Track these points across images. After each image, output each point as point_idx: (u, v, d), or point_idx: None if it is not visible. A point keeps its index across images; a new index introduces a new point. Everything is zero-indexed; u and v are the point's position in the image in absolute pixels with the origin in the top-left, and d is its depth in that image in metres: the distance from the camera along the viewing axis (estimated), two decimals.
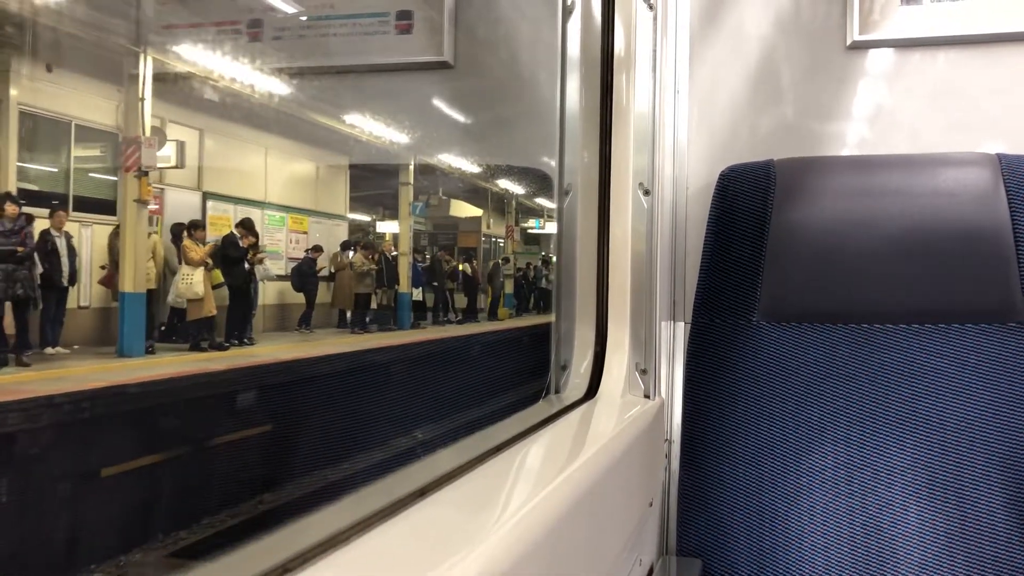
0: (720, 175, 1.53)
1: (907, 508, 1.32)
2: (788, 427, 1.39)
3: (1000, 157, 1.44)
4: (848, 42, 1.61)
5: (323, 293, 11.37)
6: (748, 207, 1.48)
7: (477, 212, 18.77)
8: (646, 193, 1.39)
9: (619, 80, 1.38)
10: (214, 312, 8.58)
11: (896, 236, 1.43)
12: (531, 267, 19.27)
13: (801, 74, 1.65)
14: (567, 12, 1.34)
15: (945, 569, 1.28)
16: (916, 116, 1.61)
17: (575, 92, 1.36)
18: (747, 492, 1.37)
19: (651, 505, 1.32)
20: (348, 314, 11.79)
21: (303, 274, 10.77)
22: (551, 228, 19.86)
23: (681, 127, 1.66)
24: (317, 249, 11.09)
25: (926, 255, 1.41)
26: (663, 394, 1.54)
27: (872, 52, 1.63)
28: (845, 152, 1.64)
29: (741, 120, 1.67)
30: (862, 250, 1.44)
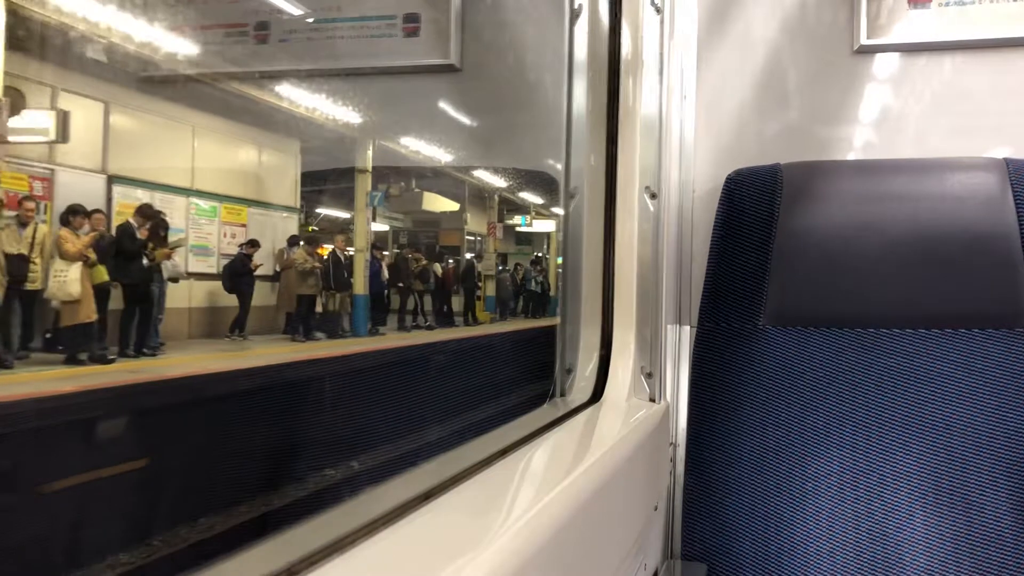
0: (727, 179, 1.52)
1: (913, 513, 1.32)
2: (794, 431, 1.39)
3: (1007, 162, 1.44)
4: (855, 46, 1.61)
5: (268, 295, 9.83)
6: (754, 211, 1.48)
7: (453, 206, 16.82)
8: (652, 196, 1.39)
9: (626, 83, 1.38)
10: (93, 317, 6.87)
11: (903, 240, 1.42)
12: (519, 267, 18.01)
13: (808, 78, 1.65)
14: (574, 15, 1.35)
15: (951, 574, 1.28)
16: (923, 120, 1.60)
17: (582, 95, 1.36)
18: (752, 496, 1.37)
19: (656, 509, 1.31)
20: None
21: (235, 273, 9.11)
22: (539, 226, 19.07)
23: (688, 131, 1.66)
24: (252, 244, 9.32)
25: (933, 260, 1.41)
26: (668, 398, 1.54)
27: (879, 56, 1.62)
28: (852, 156, 1.63)
29: (748, 124, 1.66)
30: (869, 254, 1.43)
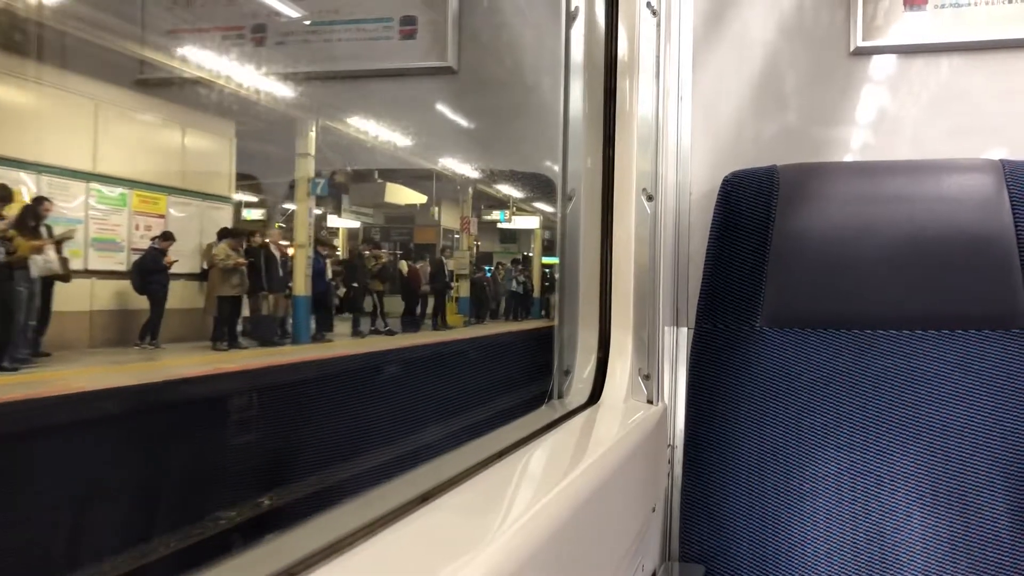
0: (723, 180, 1.53)
1: (910, 514, 1.32)
2: (791, 432, 1.39)
3: (1004, 163, 1.44)
4: (851, 48, 1.61)
5: (198, 297, 8.32)
6: (751, 212, 1.48)
7: (420, 199, 14.58)
8: (649, 198, 1.40)
9: (622, 85, 1.38)
10: None
11: (899, 242, 1.43)
12: (500, 267, 16.60)
13: (804, 80, 1.65)
14: (571, 18, 1.35)
15: (948, 574, 1.28)
16: (919, 122, 1.61)
17: (578, 97, 1.36)
18: (750, 497, 1.37)
19: (654, 511, 1.32)
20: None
21: (145, 271, 7.67)
22: (522, 223, 17.74)
23: (684, 132, 1.66)
24: (166, 237, 7.88)
25: (929, 261, 1.41)
26: (666, 399, 1.54)
27: (875, 58, 1.63)
28: (848, 158, 1.64)
29: (744, 125, 1.67)
30: (865, 256, 1.43)
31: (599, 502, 0.88)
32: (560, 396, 1.33)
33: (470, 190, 15.00)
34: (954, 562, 1.28)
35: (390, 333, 11.38)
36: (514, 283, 16.13)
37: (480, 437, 1.00)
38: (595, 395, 1.31)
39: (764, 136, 1.66)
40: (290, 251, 9.49)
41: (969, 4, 1.58)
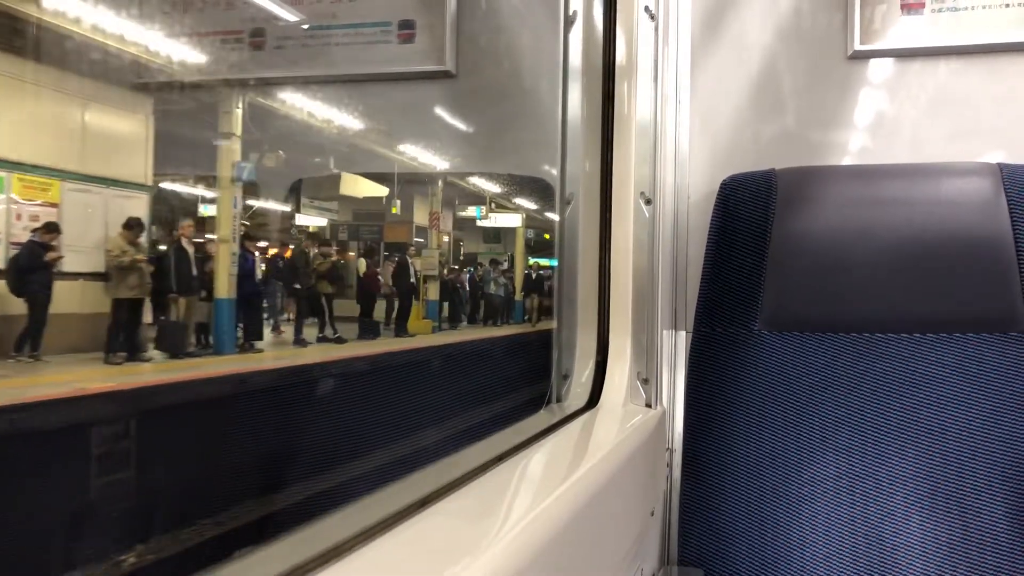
0: (721, 184, 1.53)
1: (909, 518, 1.32)
2: (790, 436, 1.39)
3: (1001, 167, 1.44)
4: (849, 52, 1.62)
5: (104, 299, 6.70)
6: (749, 216, 1.48)
7: (379, 191, 12.41)
8: (647, 202, 1.40)
9: (620, 89, 1.38)
10: None
11: (897, 245, 1.43)
12: (479, 267, 15.46)
13: (802, 83, 1.66)
14: (569, 22, 1.35)
15: None
16: (917, 126, 1.61)
17: (577, 101, 1.36)
18: (748, 501, 1.37)
19: (653, 514, 1.31)
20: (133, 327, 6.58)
21: (23, 269, 6.30)
22: (502, 220, 16.42)
23: (683, 136, 1.66)
24: (49, 229, 6.54)
25: (927, 264, 1.41)
26: (665, 403, 1.54)
27: (873, 62, 1.63)
28: (846, 161, 1.64)
29: (742, 129, 1.67)
30: (863, 259, 1.44)
31: (598, 506, 0.88)
32: (559, 400, 1.33)
33: (440, 183, 13.08)
34: (953, 565, 1.28)
35: (339, 341, 9.66)
36: (492, 285, 14.72)
37: (464, 448, 0.94)
38: (594, 399, 1.31)
39: (762, 139, 1.67)
40: (244, 248, 8.00)
41: (966, 8, 1.58)
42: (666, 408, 1.54)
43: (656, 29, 1.44)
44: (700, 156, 1.66)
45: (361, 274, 11.81)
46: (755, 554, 1.34)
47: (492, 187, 14.63)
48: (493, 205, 16.01)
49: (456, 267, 15.00)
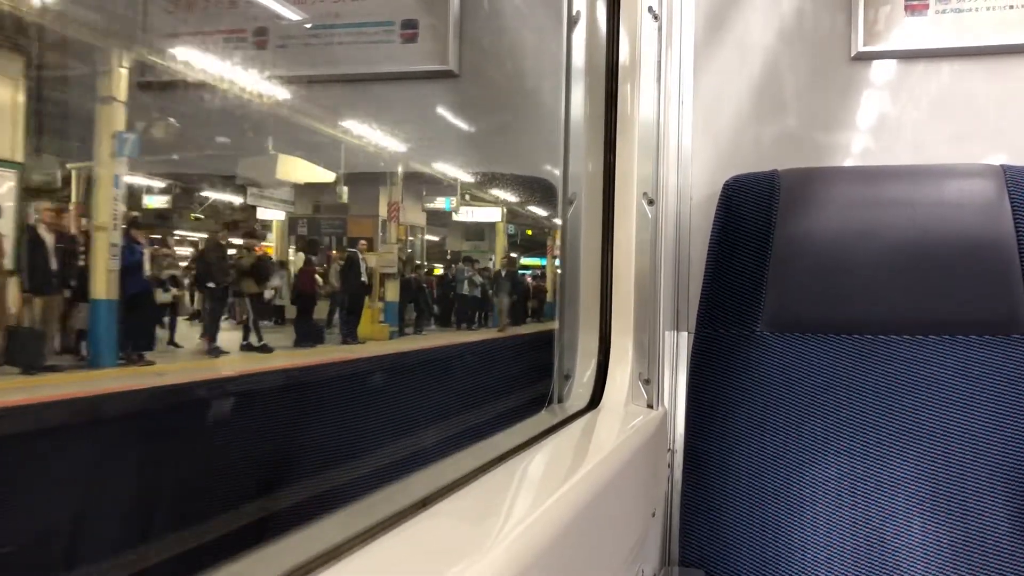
0: (724, 185, 1.53)
1: (910, 520, 1.32)
2: (791, 437, 1.39)
3: (1004, 168, 1.44)
4: (852, 53, 1.61)
5: None
6: (752, 217, 1.48)
7: (324, 177, 9.97)
8: (650, 203, 1.40)
9: (624, 90, 1.38)
10: None
11: (900, 247, 1.43)
12: (453, 266, 13.78)
13: (805, 84, 1.66)
14: (572, 22, 1.35)
15: None
16: (920, 127, 1.61)
17: (579, 101, 1.36)
18: (750, 502, 1.37)
19: (654, 515, 1.31)
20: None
21: None
22: (481, 215, 14.77)
23: (685, 137, 1.66)
24: None
25: (930, 266, 1.41)
26: (666, 404, 1.54)
27: (876, 63, 1.63)
28: (849, 162, 1.64)
29: (745, 130, 1.67)
30: (866, 260, 1.43)
31: (599, 507, 0.88)
32: (560, 400, 1.33)
33: (399, 169, 10.69)
34: (954, 567, 1.28)
35: (264, 349, 7.92)
36: (467, 285, 12.71)
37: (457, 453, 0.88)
38: (595, 399, 1.31)
39: (765, 140, 1.66)
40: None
41: (970, 9, 1.58)
42: (668, 409, 1.54)
43: (659, 29, 1.44)
44: (703, 156, 1.66)
45: (296, 271, 9.77)
46: (756, 555, 1.34)
47: (465, 176, 12.11)
48: (467, 197, 13.55)
49: (420, 265, 13.03)
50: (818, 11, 1.64)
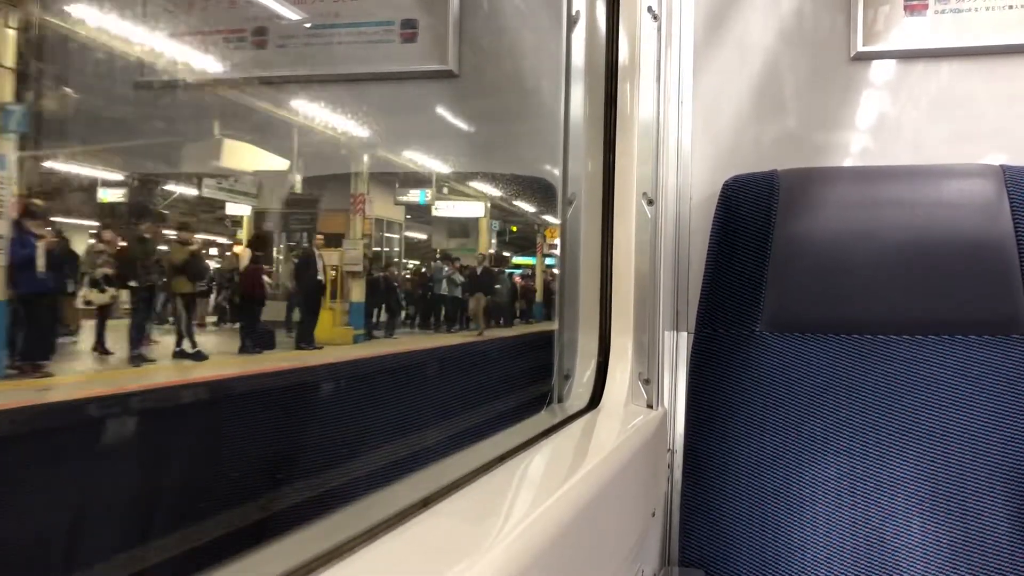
0: (724, 185, 1.53)
1: (910, 520, 1.32)
2: (791, 437, 1.39)
3: (1004, 168, 1.44)
4: (852, 53, 1.62)
5: None
6: (752, 217, 1.48)
7: (278, 165, 8.36)
8: (650, 203, 1.40)
9: (623, 90, 1.38)
10: None
11: (899, 247, 1.43)
12: (431, 265, 12.86)
13: (805, 84, 1.66)
14: (572, 22, 1.35)
15: None
16: (920, 127, 1.61)
17: (579, 101, 1.36)
18: (750, 502, 1.37)
19: (654, 515, 1.31)
20: None
21: None
22: (463, 210, 13.46)
23: (685, 137, 1.66)
24: None
25: (929, 266, 1.41)
26: (666, 404, 1.54)
27: (876, 63, 1.63)
28: (849, 163, 1.64)
29: (745, 130, 1.67)
30: (866, 261, 1.44)
31: (599, 507, 0.88)
32: (560, 400, 1.33)
33: (365, 158, 9.53)
34: (954, 568, 1.28)
35: (198, 357, 6.74)
36: (444, 285, 11.77)
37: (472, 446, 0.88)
38: (595, 399, 1.31)
39: (765, 140, 1.67)
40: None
41: (969, 9, 1.58)
42: (667, 409, 1.54)
43: (659, 29, 1.44)
44: (702, 157, 1.66)
45: (242, 270, 8.46)
46: (756, 555, 1.34)
47: (441, 167, 10.88)
48: (445, 190, 12.23)
49: (394, 262, 11.82)
50: (817, 11, 1.65)
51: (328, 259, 9.29)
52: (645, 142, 1.40)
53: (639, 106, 1.39)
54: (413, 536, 0.64)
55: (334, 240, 9.82)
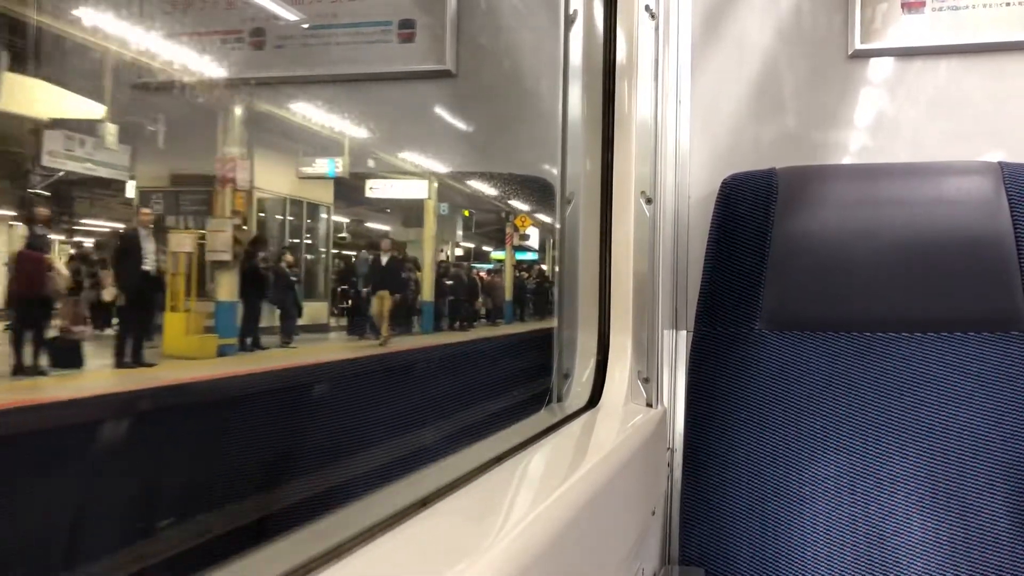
0: (722, 183, 1.53)
1: (909, 517, 1.32)
2: (790, 435, 1.39)
3: (1002, 166, 1.44)
4: (850, 51, 1.62)
5: None
6: (750, 215, 1.48)
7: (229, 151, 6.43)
8: (648, 201, 1.40)
9: (621, 88, 1.38)
10: None
11: (898, 244, 1.43)
12: (383, 253, 10.24)
13: (803, 83, 1.66)
14: (569, 21, 1.35)
15: None
16: (918, 125, 1.61)
17: (577, 100, 1.36)
18: (749, 500, 1.37)
19: (654, 514, 1.31)
20: None
21: None
22: (401, 188, 10.81)
23: (683, 135, 1.66)
24: None
25: (928, 263, 1.41)
26: (665, 403, 1.54)
27: (874, 61, 1.63)
28: (847, 161, 1.64)
29: (743, 128, 1.67)
30: (864, 258, 1.44)
31: (599, 506, 0.88)
32: (559, 399, 1.33)
33: (237, 110, 6.58)
34: (954, 565, 1.28)
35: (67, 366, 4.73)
36: (363, 280, 9.82)
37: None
38: (594, 398, 1.31)
39: (763, 139, 1.66)
40: None
41: (967, 7, 1.58)
42: (667, 407, 1.54)
43: (656, 28, 1.44)
44: (701, 155, 1.66)
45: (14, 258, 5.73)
46: (756, 553, 1.34)
47: (358, 132, 7.84)
48: (372, 163, 9.12)
49: (285, 249, 8.82)
50: (815, 9, 1.65)
51: (178, 243, 6.71)
52: (643, 141, 1.40)
53: (637, 105, 1.39)
54: (412, 536, 0.64)
55: (189, 217, 6.97)
